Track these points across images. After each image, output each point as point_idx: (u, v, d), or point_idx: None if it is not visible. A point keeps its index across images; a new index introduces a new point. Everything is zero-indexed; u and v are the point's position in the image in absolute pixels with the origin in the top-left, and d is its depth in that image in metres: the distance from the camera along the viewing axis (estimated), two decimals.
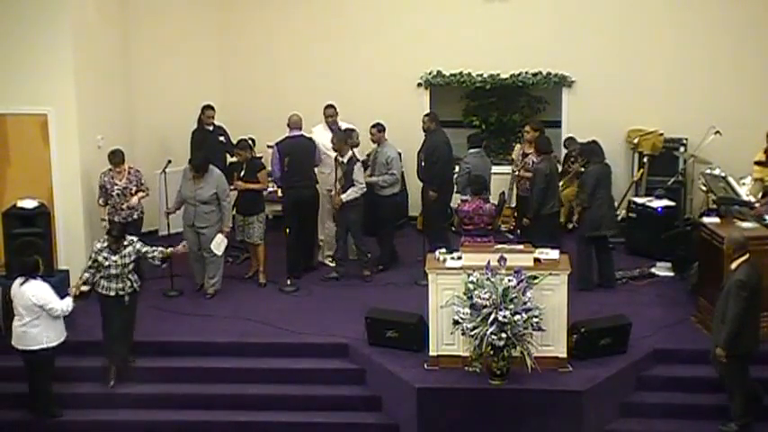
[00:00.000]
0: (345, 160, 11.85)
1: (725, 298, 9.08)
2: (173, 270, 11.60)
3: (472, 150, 12.38)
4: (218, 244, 11.48)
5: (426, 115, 12.60)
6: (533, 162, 12.13)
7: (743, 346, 9.08)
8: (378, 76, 13.98)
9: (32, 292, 9.48)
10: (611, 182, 11.93)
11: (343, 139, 11.97)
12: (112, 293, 9.92)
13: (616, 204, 13.48)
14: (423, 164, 12.38)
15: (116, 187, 11.48)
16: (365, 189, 11.95)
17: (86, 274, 9.94)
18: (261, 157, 12.63)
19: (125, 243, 9.96)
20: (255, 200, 12.02)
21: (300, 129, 12.24)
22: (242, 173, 11.98)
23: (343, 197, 11.82)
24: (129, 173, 11.57)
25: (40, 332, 9.50)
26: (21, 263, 9.87)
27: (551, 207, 11.83)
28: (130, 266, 10.01)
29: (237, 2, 14.16)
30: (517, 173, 12.71)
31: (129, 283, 10.01)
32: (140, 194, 11.63)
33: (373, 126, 12.37)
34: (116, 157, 11.50)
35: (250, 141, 12.48)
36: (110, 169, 11.52)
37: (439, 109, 14.02)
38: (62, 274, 11.01)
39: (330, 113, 12.62)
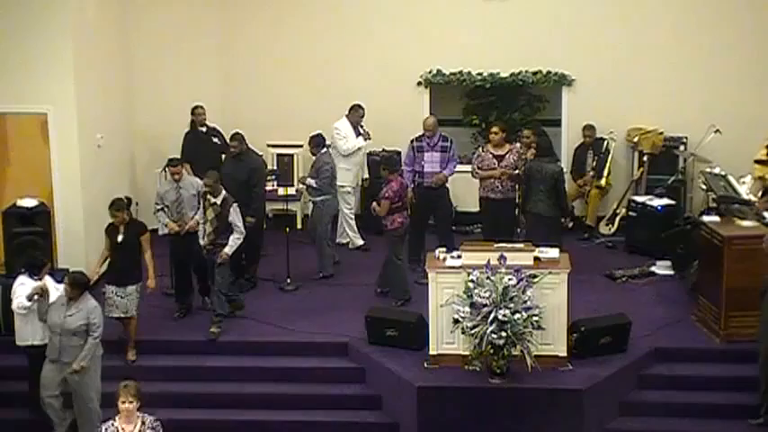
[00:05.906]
0: (219, 201, 10.52)
1: (766, 300, 9.01)
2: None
3: (323, 150, 12.13)
4: None
5: (234, 138, 11.68)
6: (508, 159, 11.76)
7: None
8: (378, 74, 13.95)
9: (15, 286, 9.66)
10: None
11: (218, 178, 10.63)
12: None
13: (616, 204, 13.55)
14: (236, 186, 11.14)
15: None
16: (245, 233, 10.67)
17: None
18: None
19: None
20: (133, 266, 10.30)
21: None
22: (119, 237, 10.23)
23: (228, 251, 10.46)
24: (142, 422, 8.01)
25: (22, 327, 9.63)
26: (29, 257, 10.02)
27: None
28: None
29: (237, 1, 14.14)
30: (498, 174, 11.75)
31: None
32: None
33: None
34: (131, 390, 7.96)
35: (126, 201, 10.50)
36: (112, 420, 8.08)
37: (439, 108, 14.02)
38: (62, 273, 11.00)
39: (362, 114, 13.01)
